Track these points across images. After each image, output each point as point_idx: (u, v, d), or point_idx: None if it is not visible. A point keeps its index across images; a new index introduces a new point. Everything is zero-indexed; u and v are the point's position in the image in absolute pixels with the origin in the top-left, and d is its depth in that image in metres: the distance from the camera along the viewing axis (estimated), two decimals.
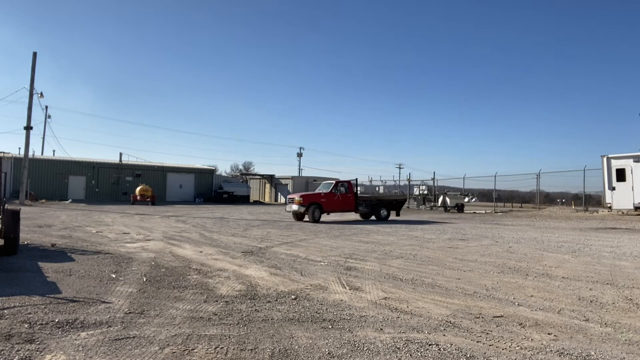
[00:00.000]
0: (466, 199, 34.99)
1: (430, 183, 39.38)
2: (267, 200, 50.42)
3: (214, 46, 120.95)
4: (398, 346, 3.42)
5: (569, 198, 38.88)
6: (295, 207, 17.70)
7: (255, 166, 77.49)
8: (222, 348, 3.30)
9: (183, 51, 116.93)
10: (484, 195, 49.93)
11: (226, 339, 3.51)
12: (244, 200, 44.00)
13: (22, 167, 28.17)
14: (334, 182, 19.46)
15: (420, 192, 39.09)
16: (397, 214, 21.03)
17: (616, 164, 23.09)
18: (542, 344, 3.54)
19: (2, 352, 3.09)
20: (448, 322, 4.09)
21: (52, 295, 4.71)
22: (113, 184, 41.18)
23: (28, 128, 28.45)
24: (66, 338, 3.42)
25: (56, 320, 3.82)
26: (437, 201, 33.62)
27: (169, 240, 10.39)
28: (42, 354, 3.10)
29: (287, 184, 48.39)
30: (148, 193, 34.97)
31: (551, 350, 3.39)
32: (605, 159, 23.50)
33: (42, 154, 47.88)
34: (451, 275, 6.43)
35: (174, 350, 3.22)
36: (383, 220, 19.33)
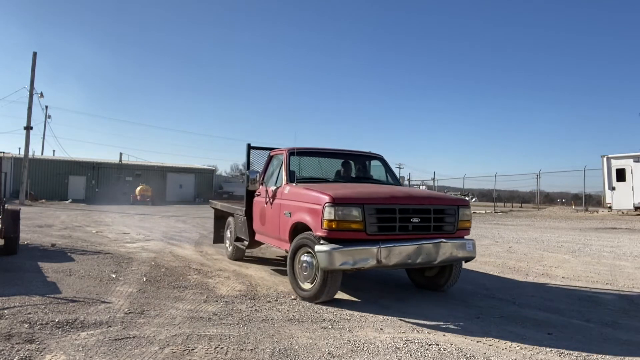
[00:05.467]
0: (466, 199, 35.01)
1: (430, 183, 39.44)
2: None
3: (214, 45, 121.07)
4: (398, 346, 3.42)
5: (569, 198, 38.88)
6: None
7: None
8: (222, 348, 3.30)
9: (183, 51, 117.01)
10: (484, 195, 49.98)
11: (226, 339, 3.51)
12: None
13: (22, 167, 28.17)
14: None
15: None
16: None
17: (616, 164, 23.08)
18: (542, 344, 3.54)
19: (2, 352, 3.09)
20: (448, 322, 4.09)
21: (52, 295, 4.71)
22: (113, 184, 41.17)
23: (28, 128, 28.46)
24: (66, 338, 3.42)
25: (56, 320, 3.82)
26: None
27: (169, 240, 10.39)
28: (42, 354, 3.10)
29: None
30: (148, 193, 34.98)
31: (551, 350, 3.39)
32: (605, 159, 23.49)
33: (42, 154, 47.84)
34: None
35: (174, 350, 3.22)
36: None
